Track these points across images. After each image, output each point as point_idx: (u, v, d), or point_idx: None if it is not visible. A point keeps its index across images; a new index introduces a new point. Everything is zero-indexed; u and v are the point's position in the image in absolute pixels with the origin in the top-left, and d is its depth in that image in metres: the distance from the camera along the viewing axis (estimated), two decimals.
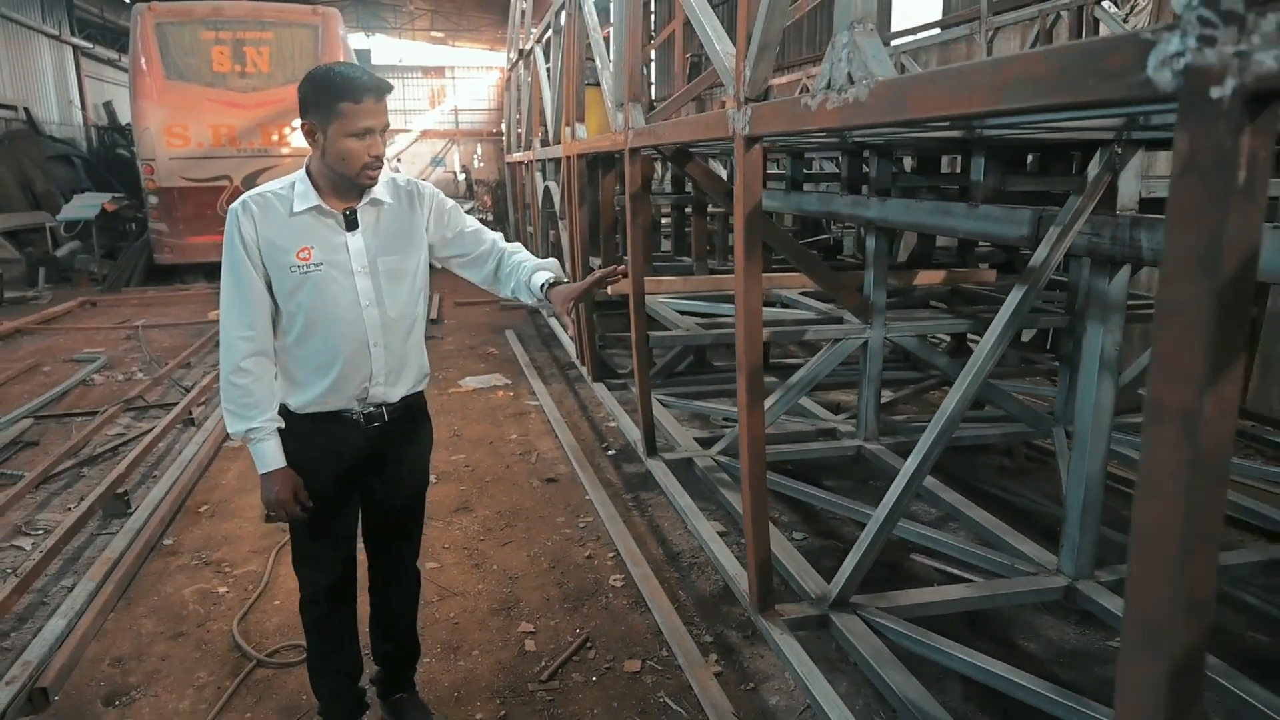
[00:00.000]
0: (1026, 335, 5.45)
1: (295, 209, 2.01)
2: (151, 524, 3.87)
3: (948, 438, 2.22)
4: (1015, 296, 2.17)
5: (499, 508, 4.34)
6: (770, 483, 3.57)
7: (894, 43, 9.18)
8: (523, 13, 8.89)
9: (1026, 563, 2.55)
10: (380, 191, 2.10)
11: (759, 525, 2.16)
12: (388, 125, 2.01)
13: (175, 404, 5.81)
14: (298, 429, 2.12)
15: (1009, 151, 3.55)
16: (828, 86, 1.49)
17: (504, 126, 12.25)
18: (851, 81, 1.41)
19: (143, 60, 10.95)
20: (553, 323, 7.60)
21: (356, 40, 24.49)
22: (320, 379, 2.09)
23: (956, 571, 3.28)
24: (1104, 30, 5.52)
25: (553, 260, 2.30)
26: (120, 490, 4.19)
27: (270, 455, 2.06)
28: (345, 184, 2.02)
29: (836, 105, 1.46)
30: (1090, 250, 2.20)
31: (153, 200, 11.20)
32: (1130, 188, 2.14)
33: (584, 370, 5.64)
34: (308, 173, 2.05)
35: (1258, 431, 4.48)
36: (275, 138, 11.57)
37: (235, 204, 2.02)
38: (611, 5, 3.54)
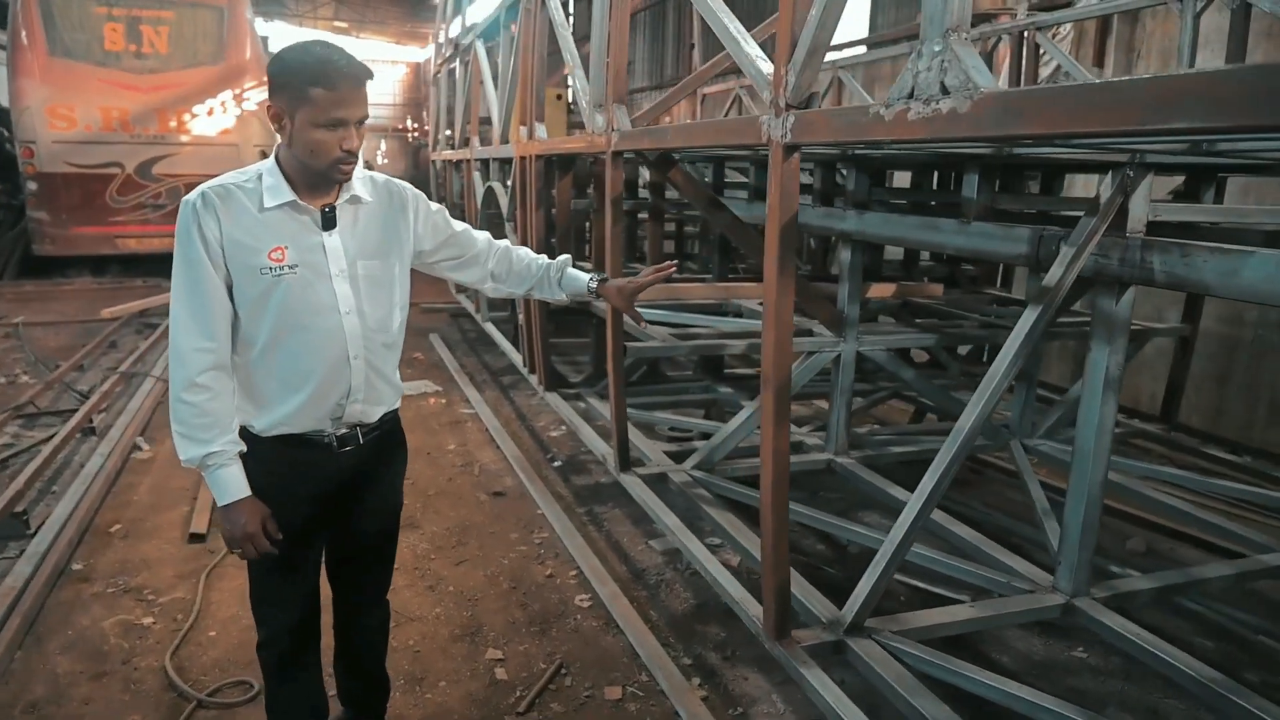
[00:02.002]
0: (963, 349, 5.60)
1: (266, 204, 1.80)
2: (58, 547, 3.47)
3: (964, 456, 2.20)
4: (1030, 316, 2.17)
5: (447, 524, 4.12)
6: (735, 494, 3.50)
7: (829, 56, 9.35)
8: (453, 1, 8.59)
9: (1021, 580, 2.56)
10: (359, 189, 1.91)
11: (779, 550, 2.07)
12: (365, 116, 1.81)
13: (72, 411, 5.28)
14: (262, 455, 1.89)
15: (1004, 170, 3.55)
16: (910, 96, 1.42)
17: (428, 123, 11.80)
18: (945, 92, 1.34)
19: (23, 34, 10.08)
20: (489, 327, 7.34)
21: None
22: (292, 396, 1.87)
23: (935, 589, 3.29)
24: (1045, 56, 5.72)
25: (566, 256, 2.22)
26: (18, 509, 3.74)
27: (232, 484, 1.82)
28: (318, 178, 1.82)
29: (923, 116, 1.38)
30: (1097, 271, 2.23)
31: (32, 186, 10.28)
32: (1140, 210, 2.18)
33: (533, 379, 5.45)
34: (277, 163, 1.83)
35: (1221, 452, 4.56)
36: (173, 124, 10.84)
37: (192, 196, 1.77)
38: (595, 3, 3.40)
